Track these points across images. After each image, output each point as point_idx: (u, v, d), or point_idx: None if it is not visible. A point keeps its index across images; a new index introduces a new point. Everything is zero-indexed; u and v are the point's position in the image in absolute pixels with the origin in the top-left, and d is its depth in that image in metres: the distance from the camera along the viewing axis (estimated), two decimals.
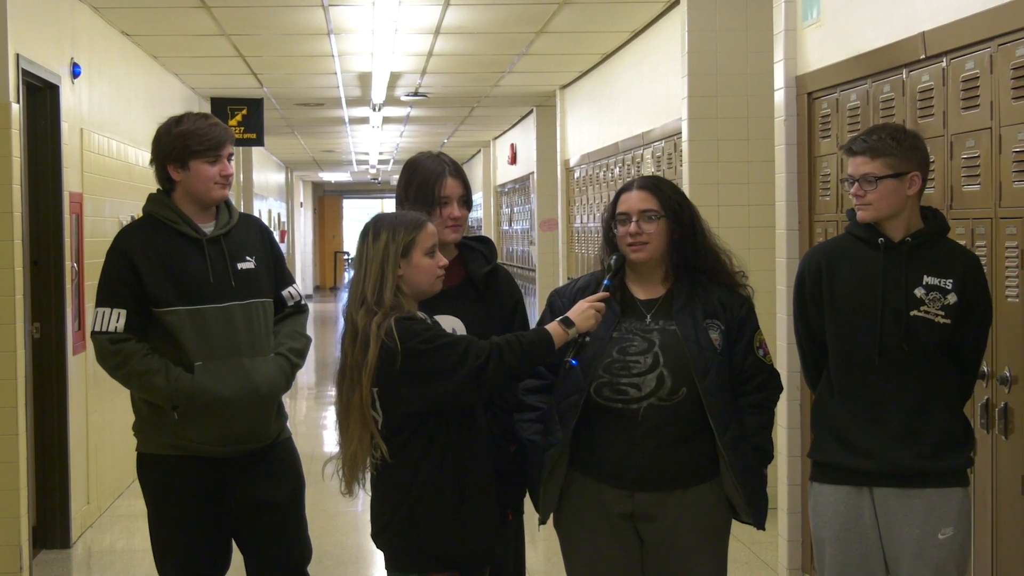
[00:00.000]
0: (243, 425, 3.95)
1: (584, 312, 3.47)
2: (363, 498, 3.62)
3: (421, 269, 3.44)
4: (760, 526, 3.62)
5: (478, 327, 3.65)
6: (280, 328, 4.14)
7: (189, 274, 3.93)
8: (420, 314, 3.46)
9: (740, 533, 3.80)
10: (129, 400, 4.09)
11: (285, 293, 4.20)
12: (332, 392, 3.53)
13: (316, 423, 11.81)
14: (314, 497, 4.19)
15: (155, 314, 3.91)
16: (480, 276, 3.79)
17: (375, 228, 3.46)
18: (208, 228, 4.02)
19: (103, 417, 7.81)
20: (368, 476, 3.50)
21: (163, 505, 4.01)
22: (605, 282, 3.59)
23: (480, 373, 3.32)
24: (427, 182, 3.75)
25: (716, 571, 3.63)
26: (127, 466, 8.45)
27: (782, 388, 3.72)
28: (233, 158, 4.12)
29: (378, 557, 5.80)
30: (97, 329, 3.93)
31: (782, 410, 5.97)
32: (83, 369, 7.40)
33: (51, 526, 7.00)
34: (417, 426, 3.39)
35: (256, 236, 4.14)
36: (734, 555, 5.24)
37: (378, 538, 3.52)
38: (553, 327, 3.44)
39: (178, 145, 3.98)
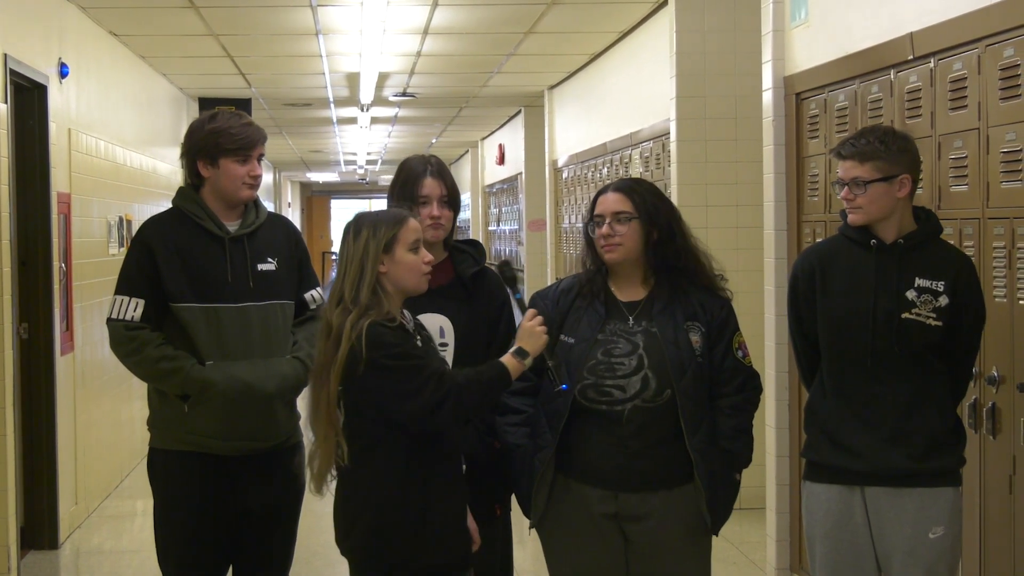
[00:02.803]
0: (250, 422, 3.92)
1: (532, 334, 3.42)
2: None
3: (405, 265, 3.36)
4: (715, 531, 3.62)
5: (465, 326, 3.67)
6: (299, 331, 4.10)
7: (207, 271, 3.92)
8: (405, 314, 3.40)
9: (729, 533, 3.80)
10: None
11: (307, 296, 4.15)
12: None
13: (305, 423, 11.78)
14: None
15: (171, 309, 3.90)
16: (468, 276, 3.82)
17: (356, 226, 3.40)
18: (233, 226, 4.00)
19: (91, 418, 7.77)
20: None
21: (170, 501, 4.00)
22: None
23: (434, 410, 3.24)
24: (408, 182, 3.82)
25: (700, 570, 3.64)
26: (115, 467, 8.48)
27: (762, 390, 3.72)
28: (263, 159, 4.10)
29: None
30: (114, 316, 3.92)
31: (771, 410, 5.98)
32: (71, 370, 7.38)
33: (39, 527, 6.98)
34: (381, 434, 3.31)
35: (282, 237, 4.11)
36: (723, 555, 5.23)
37: (341, 544, 3.41)
38: (508, 360, 3.37)
39: (210, 142, 3.95)
